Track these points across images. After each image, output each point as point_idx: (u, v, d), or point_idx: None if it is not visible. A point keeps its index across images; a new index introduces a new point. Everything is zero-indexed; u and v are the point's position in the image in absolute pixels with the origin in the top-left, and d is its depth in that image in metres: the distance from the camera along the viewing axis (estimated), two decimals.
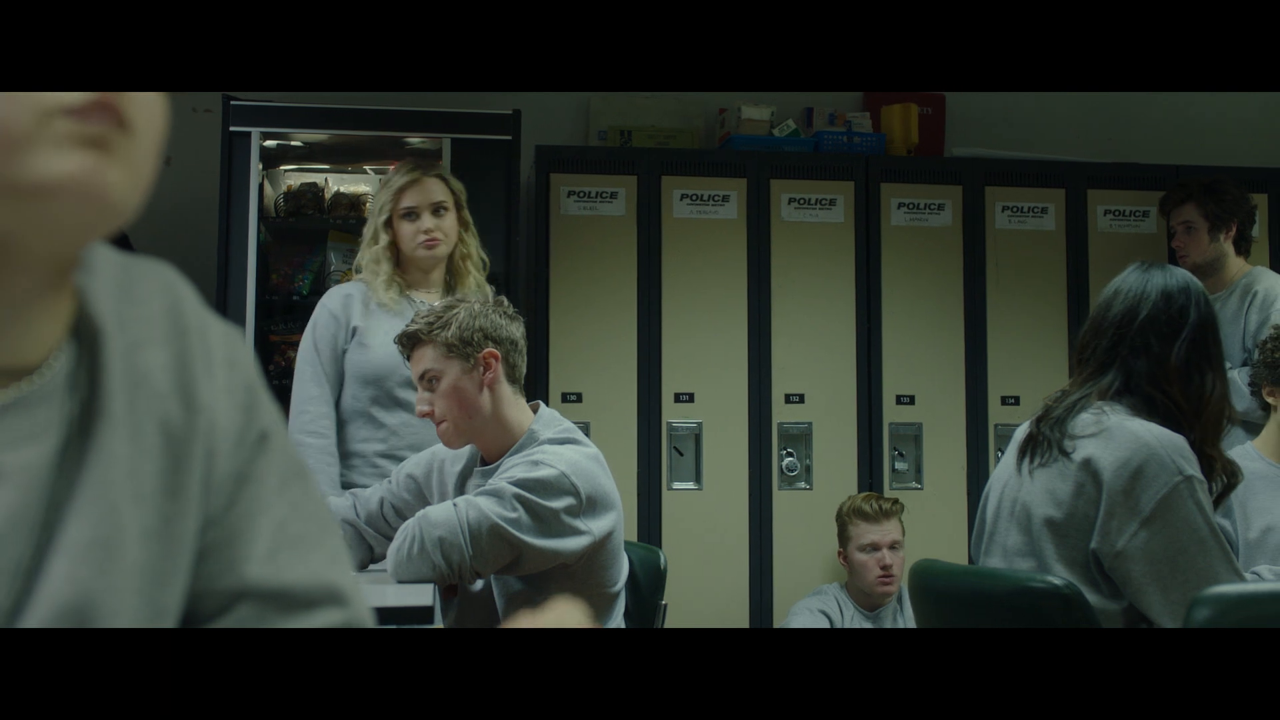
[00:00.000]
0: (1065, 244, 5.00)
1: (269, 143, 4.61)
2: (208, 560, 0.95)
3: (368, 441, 3.43)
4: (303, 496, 0.99)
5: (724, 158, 4.89)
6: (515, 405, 2.77)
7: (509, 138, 4.53)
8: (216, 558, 0.95)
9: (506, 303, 2.86)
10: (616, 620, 2.76)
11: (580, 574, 2.66)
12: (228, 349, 0.98)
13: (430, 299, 3.41)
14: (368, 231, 3.55)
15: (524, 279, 4.67)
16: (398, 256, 3.51)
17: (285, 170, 4.93)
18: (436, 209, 3.50)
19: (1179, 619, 2.15)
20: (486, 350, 2.73)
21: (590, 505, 2.63)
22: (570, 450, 2.69)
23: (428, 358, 2.74)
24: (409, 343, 2.78)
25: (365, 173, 4.97)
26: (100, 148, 0.81)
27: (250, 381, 0.99)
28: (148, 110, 0.85)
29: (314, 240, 4.81)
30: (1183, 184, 4.46)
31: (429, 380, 2.74)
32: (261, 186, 4.57)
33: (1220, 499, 2.49)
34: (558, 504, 2.58)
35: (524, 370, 2.82)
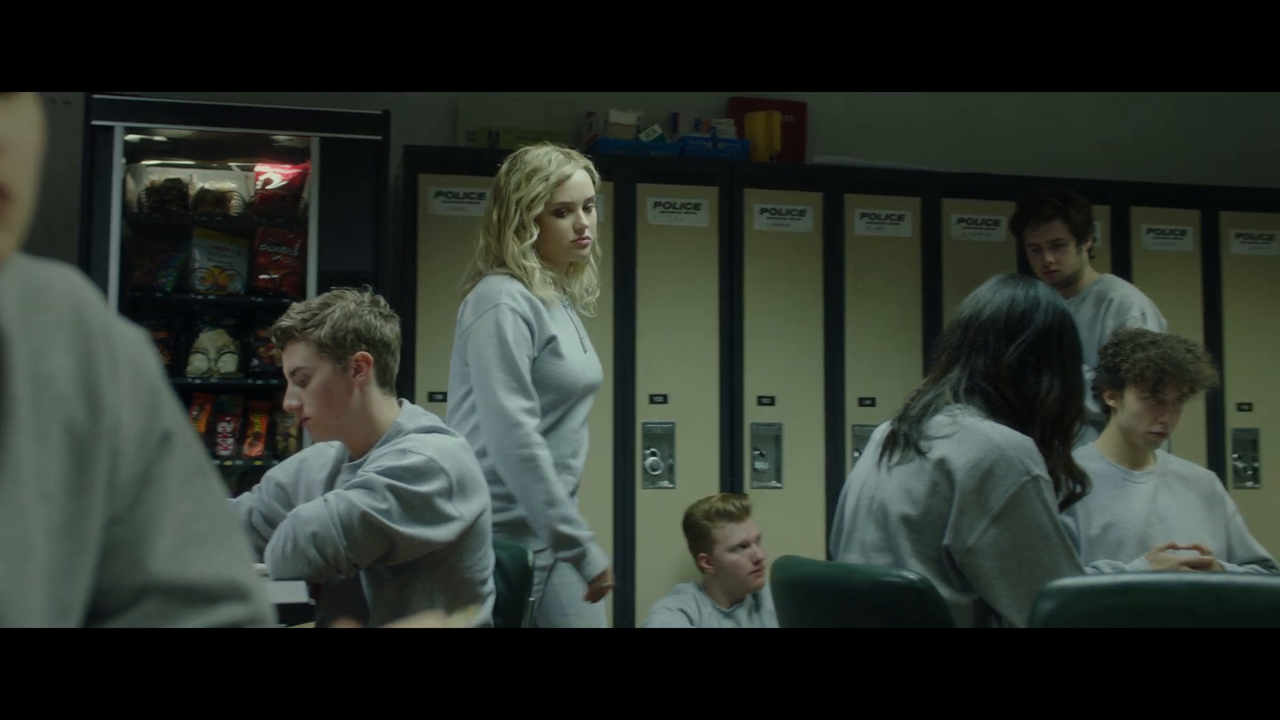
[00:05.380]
0: (920, 250, 5.14)
1: (131, 137, 4.55)
2: (113, 557, 0.97)
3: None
4: (205, 494, 1.03)
5: (590, 161, 4.93)
6: (383, 404, 2.80)
7: (378, 138, 4.53)
8: (122, 554, 0.98)
9: (383, 302, 2.86)
10: (485, 614, 2.80)
11: (448, 560, 2.71)
12: (132, 352, 1.01)
13: (564, 299, 3.28)
14: (508, 222, 3.15)
15: (391, 279, 4.67)
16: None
17: (148, 165, 4.86)
18: (588, 206, 3.24)
19: (1025, 611, 2.25)
20: (359, 353, 2.75)
21: (460, 488, 2.68)
22: (437, 438, 2.75)
23: (299, 355, 2.75)
24: (282, 337, 2.78)
25: (230, 169, 4.93)
26: None
27: (154, 383, 1.02)
28: (25, 166, 0.87)
29: (178, 237, 4.75)
30: (1042, 200, 4.42)
31: (299, 376, 2.76)
32: (124, 182, 4.51)
33: (1066, 504, 2.61)
34: (428, 488, 2.63)
35: (396, 371, 2.85)
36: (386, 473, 2.62)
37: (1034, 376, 2.55)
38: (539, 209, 3.14)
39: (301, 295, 4.51)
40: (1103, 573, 2.99)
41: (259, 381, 4.71)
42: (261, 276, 4.76)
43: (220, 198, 4.82)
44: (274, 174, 4.85)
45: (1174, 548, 3.11)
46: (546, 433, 3.10)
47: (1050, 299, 2.61)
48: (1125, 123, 5.93)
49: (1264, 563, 3.32)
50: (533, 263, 3.12)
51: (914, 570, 2.40)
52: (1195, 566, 3.04)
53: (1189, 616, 1.83)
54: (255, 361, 4.74)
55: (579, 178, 3.21)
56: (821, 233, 5.06)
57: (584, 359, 3.24)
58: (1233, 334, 5.35)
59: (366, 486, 2.61)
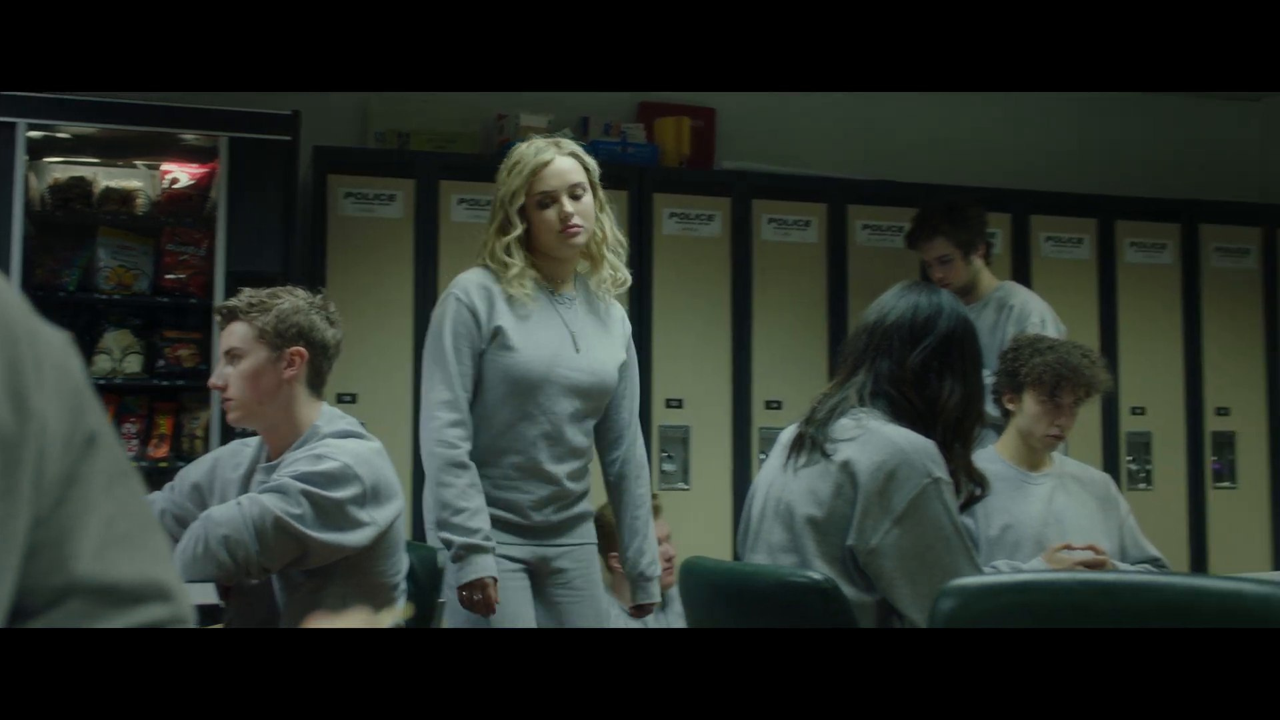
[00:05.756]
0: (826, 256, 5.22)
1: (34, 133, 4.49)
2: (37, 557, 0.98)
3: (505, 454, 3.10)
4: (129, 496, 1.04)
5: (501, 163, 4.94)
6: (307, 404, 2.81)
7: (288, 138, 4.51)
8: (46, 555, 0.98)
9: (332, 308, 2.88)
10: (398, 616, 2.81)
11: (362, 564, 2.71)
12: (57, 354, 1.01)
13: (567, 290, 3.18)
14: (493, 220, 3.14)
15: (299, 280, 4.65)
16: (529, 246, 3.13)
17: (51, 163, 4.80)
18: (574, 192, 3.10)
19: (926, 610, 2.30)
20: (295, 348, 2.77)
21: (375, 495, 2.69)
22: (353, 443, 2.75)
23: (238, 335, 2.78)
24: (227, 315, 2.81)
25: (136, 167, 4.88)
26: None
27: (78, 385, 1.02)
28: None
29: (82, 236, 4.70)
30: (924, 219, 4.56)
31: (232, 356, 2.78)
32: (26, 179, 4.44)
33: (966, 506, 2.68)
34: (342, 494, 2.63)
35: (327, 376, 2.86)
36: (301, 478, 2.62)
37: (936, 381, 2.61)
38: (520, 201, 3.07)
39: (209, 296, 4.48)
40: (1001, 572, 3.06)
41: (164, 382, 4.67)
42: (168, 276, 4.72)
43: (125, 196, 4.77)
44: (181, 173, 4.81)
45: (1069, 548, 3.19)
46: (506, 430, 3.07)
47: (953, 306, 2.68)
48: (1027, 132, 6.06)
49: (1155, 562, 3.42)
50: (512, 257, 3.07)
51: (819, 570, 2.44)
52: (1090, 566, 3.12)
53: (1083, 614, 1.89)
54: (161, 362, 4.70)
55: (559, 165, 3.09)
56: (729, 238, 5.12)
57: (559, 356, 3.09)
58: (1127, 340, 5.49)
59: (281, 491, 2.61)
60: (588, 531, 3.25)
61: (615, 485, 3.31)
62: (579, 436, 3.16)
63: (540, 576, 3.14)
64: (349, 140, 5.15)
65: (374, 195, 4.76)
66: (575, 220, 3.07)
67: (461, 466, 3.00)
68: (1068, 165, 6.00)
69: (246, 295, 2.82)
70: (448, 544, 2.95)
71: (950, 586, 2.05)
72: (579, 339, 3.14)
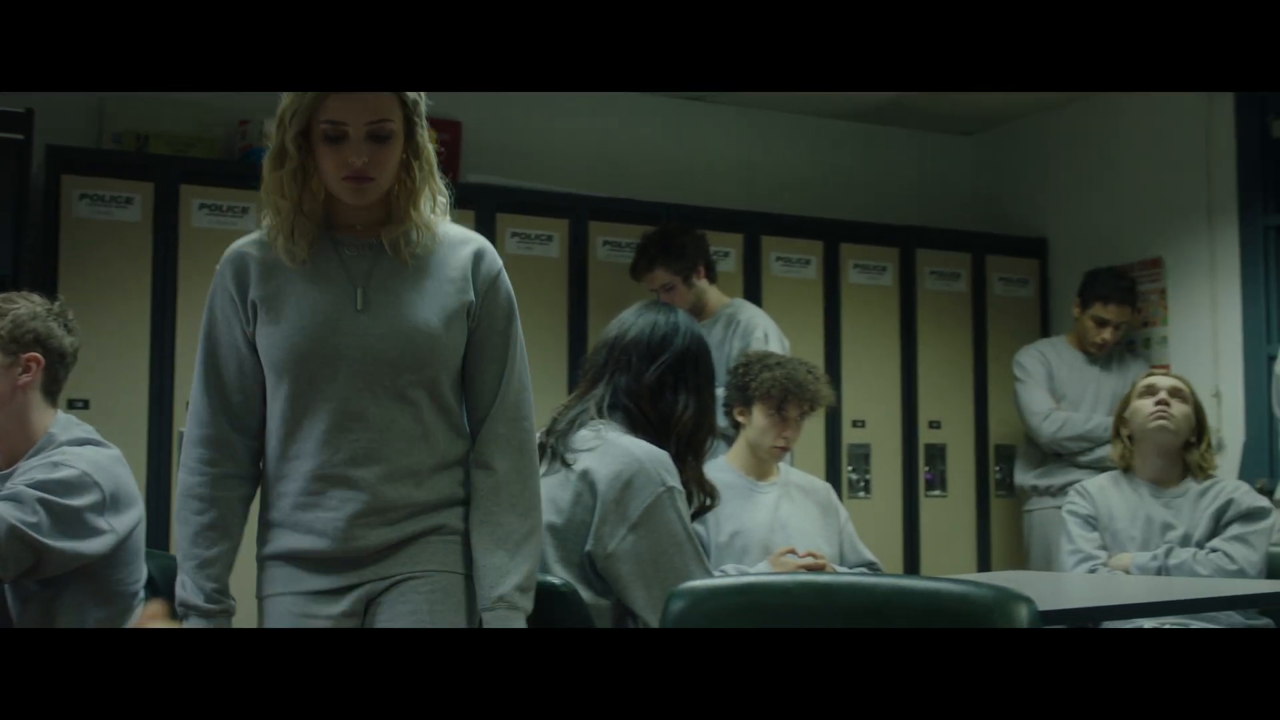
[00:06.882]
0: (568, 271, 5.34)
1: None
2: None
3: (296, 461, 2.34)
4: None
5: (245, 169, 4.89)
6: (42, 412, 2.76)
7: (20, 137, 4.37)
8: None
9: (70, 316, 2.85)
10: (133, 623, 2.79)
11: (100, 573, 2.68)
12: None
13: (366, 240, 2.37)
14: (270, 151, 2.34)
15: (30, 282, 4.50)
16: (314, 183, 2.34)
17: None
18: (376, 132, 2.28)
19: (659, 612, 2.42)
20: (31, 354, 2.72)
21: (114, 502, 2.67)
22: (91, 451, 2.72)
23: None
24: None
25: None
26: None
27: None
28: None
29: None
30: (643, 251, 4.81)
31: None
32: None
33: (698, 514, 2.82)
34: (80, 502, 2.61)
35: (63, 384, 2.81)
36: (38, 485, 2.58)
37: (671, 395, 2.75)
38: (301, 124, 2.28)
39: None
40: (728, 575, 3.22)
41: None
42: None
43: None
44: None
45: (793, 552, 3.38)
46: (294, 430, 2.31)
47: (688, 326, 2.84)
48: (761, 157, 6.29)
49: (871, 566, 3.65)
50: (275, 200, 2.34)
51: (558, 575, 2.55)
52: (810, 569, 3.31)
53: (802, 613, 2.03)
54: None
55: (363, 94, 2.29)
56: None
57: (334, 320, 2.30)
58: (849, 357, 5.78)
59: (15, 499, 2.57)
60: (439, 555, 2.35)
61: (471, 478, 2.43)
62: (405, 423, 2.33)
63: (371, 618, 2.36)
64: (85, 141, 5.01)
65: (110, 198, 4.65)
66: (371, 170, 2.29)
67: (202, 500, 2.33)
68: (798, 190, 6.26)
69: None
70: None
71: (680, 589, 2.16)
72: (370, 292, 2.33)
